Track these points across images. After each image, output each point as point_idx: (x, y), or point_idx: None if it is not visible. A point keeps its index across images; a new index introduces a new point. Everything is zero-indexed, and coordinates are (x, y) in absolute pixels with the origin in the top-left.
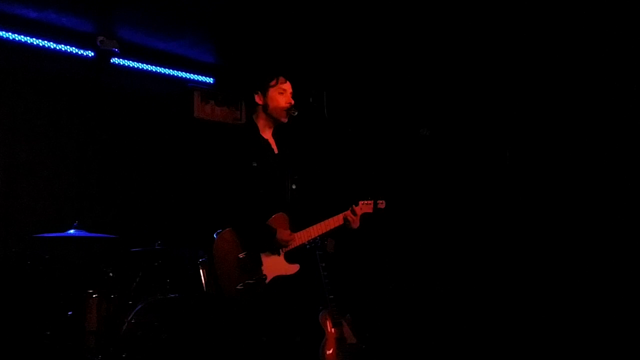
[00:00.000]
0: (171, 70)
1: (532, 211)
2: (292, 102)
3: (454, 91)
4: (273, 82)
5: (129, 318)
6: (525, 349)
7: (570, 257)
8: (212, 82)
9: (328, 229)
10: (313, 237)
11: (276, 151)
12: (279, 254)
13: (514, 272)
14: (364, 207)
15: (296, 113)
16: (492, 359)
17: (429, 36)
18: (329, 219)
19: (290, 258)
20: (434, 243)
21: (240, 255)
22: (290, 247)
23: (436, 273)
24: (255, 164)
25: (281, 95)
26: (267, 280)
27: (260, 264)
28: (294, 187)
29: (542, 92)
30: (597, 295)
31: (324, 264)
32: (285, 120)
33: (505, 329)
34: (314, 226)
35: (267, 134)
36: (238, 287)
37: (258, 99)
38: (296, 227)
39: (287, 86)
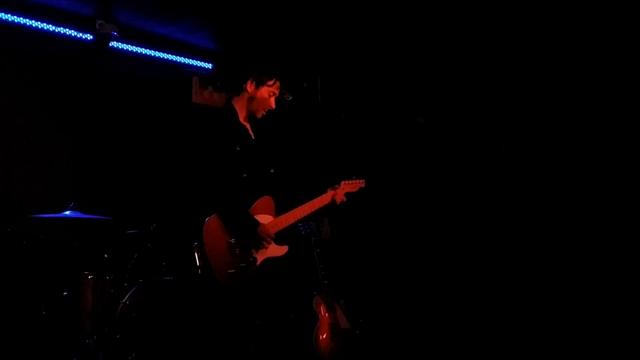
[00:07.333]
0: (170, 55)
1: (526, 202)
2: (274, 107)
3: (451, 80)
4: (271, 82)
5: (124, 299)
6: (517, 336)
7: (563, 247)
8: (210, 67)
9: (314, 209)
10: (299, 218)
11: (253, 137)
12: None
13: (506, 263)
14: (346, 186)
15: (290, 98)
16: (485, 348)
17: (426, 24)
18: (314, 200)
19: (279, 240)
20: (427, 231)
21: (230, 240)
22: (273, 233)
23: (430, 261)
24: (239, 148)
25: (270, 97)
26: (257, 263)
27: (250, 247)
28: (272, 170)
29: (540, 84)
30: (592, 288)
31: (319, 250)
32: (259, 117)
33: (499, 320)
34: (299, 207)
35: (244, 120)
36: (229, 271)
37: (249, 87)
38: (281, 209)
39: (278, 91)
